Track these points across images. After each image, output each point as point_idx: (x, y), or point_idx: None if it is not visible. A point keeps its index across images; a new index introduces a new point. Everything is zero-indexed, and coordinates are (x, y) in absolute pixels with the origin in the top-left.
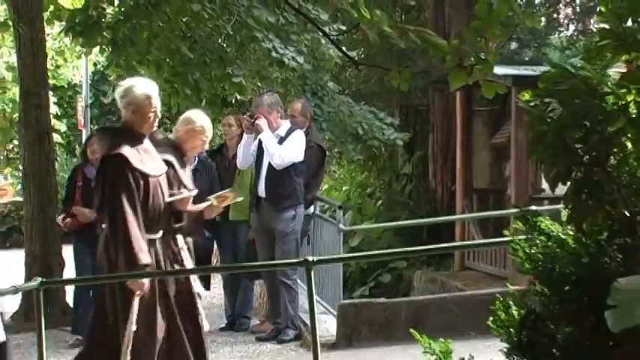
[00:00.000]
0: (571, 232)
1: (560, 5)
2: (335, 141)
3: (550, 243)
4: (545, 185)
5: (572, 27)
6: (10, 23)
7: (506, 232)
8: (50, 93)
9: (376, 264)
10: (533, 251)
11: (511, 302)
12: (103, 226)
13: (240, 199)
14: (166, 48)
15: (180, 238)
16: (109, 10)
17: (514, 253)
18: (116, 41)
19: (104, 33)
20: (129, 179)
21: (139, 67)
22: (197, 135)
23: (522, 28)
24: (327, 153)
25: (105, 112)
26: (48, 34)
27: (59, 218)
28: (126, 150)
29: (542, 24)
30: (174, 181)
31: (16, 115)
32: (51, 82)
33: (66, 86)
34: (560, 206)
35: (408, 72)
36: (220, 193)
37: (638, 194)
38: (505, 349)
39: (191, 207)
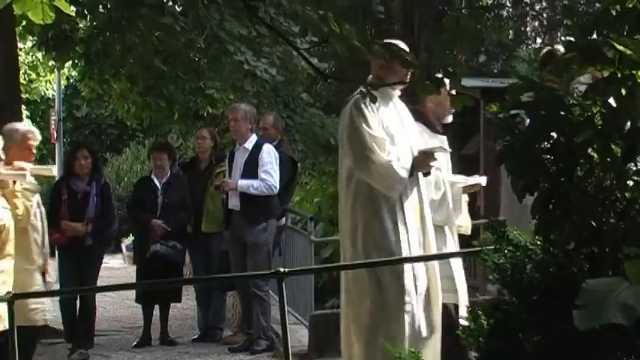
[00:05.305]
0: (539, 242)
1: (528, 19)
2: (307, 152)
3: (518, 253)
4: None
5: (539, 40)
6: None
7: (475, 243)
8: (23, 107)
9: None
10: (501, 261)
11: (480, 312)
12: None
13: None
14: (140, 61)
15: None
16: (82, 24)
17: (483, 262)
18: (89, 55)
19: (77, 47)
20: None
21: (112, 81)
22: None
23: (491, 41)
24: (299, 165)
25: (78, 126)
26: (21, 49)
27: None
28: None
29: (510, 37)
30: None
31: None
32: (24, 96)
33: (39, 100)
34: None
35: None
36: None
37: (604, 204)
38: (474, 358)
39: None
